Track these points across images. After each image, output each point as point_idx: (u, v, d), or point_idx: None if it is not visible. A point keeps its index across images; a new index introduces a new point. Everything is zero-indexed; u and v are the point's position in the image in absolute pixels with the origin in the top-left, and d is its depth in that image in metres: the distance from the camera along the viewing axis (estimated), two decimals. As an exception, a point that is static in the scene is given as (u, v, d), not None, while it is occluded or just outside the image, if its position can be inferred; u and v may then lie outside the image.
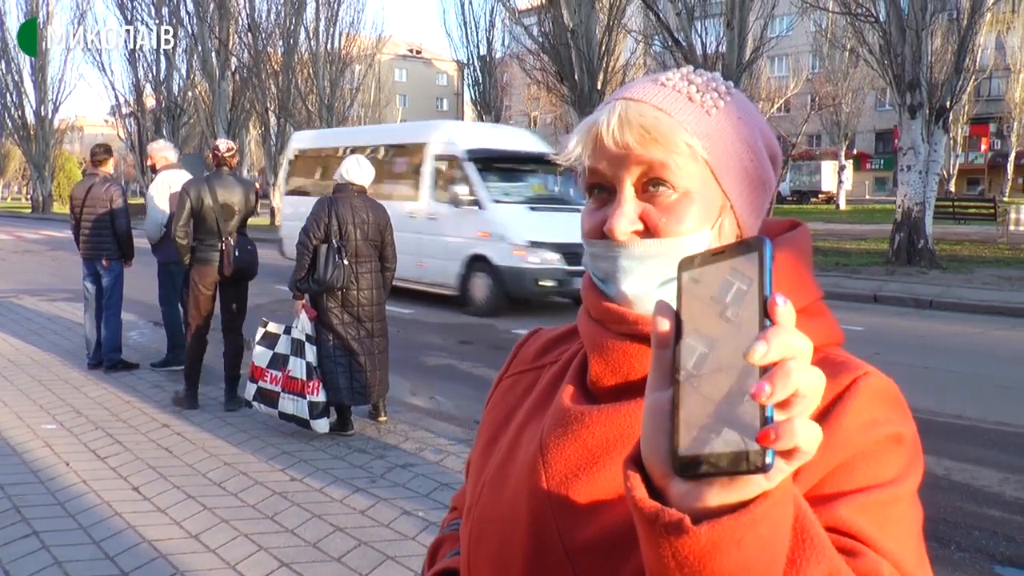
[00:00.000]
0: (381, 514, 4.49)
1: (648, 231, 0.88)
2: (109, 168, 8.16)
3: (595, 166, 0.91)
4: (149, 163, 8.29)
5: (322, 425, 5.76)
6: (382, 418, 6.23)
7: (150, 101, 37.86)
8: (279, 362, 5.85)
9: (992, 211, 22.19)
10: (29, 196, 64.12)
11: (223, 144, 6.77)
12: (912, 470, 0.83)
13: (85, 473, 5.09)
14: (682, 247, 0.86)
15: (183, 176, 7.57)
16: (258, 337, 6.02)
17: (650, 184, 0.88)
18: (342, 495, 4.78)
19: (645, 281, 0.89)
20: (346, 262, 5.83)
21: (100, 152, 8.20)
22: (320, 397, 5.75)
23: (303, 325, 5.85)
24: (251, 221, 6.93)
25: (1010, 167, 47.91)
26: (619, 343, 0.90)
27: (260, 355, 5.94)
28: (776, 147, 0.95)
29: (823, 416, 0.79)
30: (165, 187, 7.75)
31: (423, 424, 6.26)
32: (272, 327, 6.00)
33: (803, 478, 0.77)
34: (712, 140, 0.87)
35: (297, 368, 5.76)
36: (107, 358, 7.87)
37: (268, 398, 5.87)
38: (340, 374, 5.85)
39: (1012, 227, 20.49)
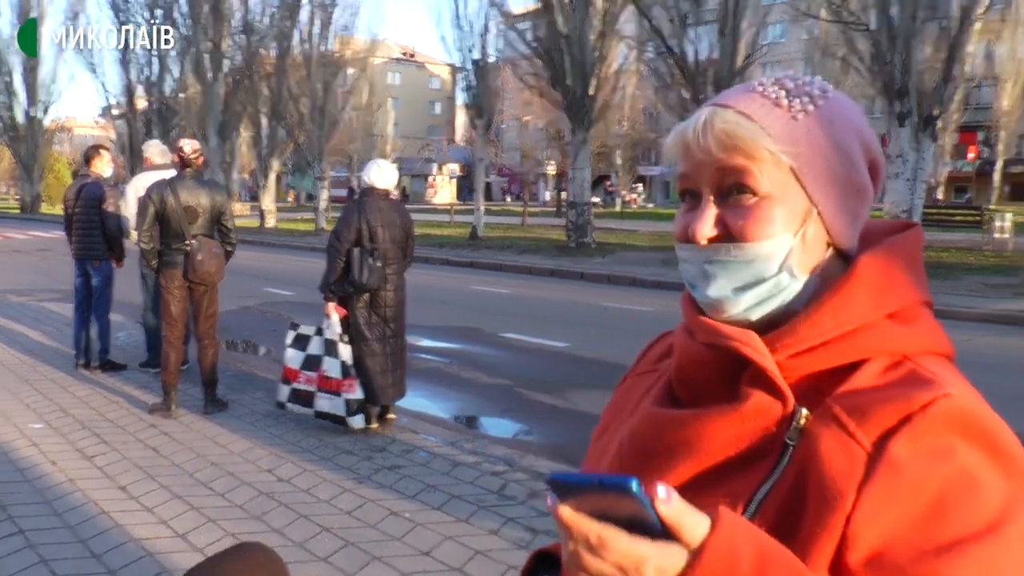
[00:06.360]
0: (368, 515, 4.50)
1: (730, 235, 0.89)
2: (102, 168, 8.14)
3: (684, 171, 0.92)
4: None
5: (357, 421, 5.90)
6: (390, 415, 6.30)
7: (142, 102, 37.75)
8: (313, 363, 5.97)
9: (978, 219, 22.29)
10: (17, 197, 63.84)
11: (188, 145, 6.58)
12: (1016, 507, 0.77)
13: (72, 472, 5.09)
14: (761, 252, 0.87)
15: (155, 178, 7.44)
16: (289, 340, 6.12)
17: (733, 189, 0.89)
18: (329, 496, 4.79)
19: (726, 285, 0.90)
20: (379, 264, 5.93)
21: (92, 152, 8.20)
22: (356, 394, 5.87)
23: (335, 325, 5.94)
24: (240, 223, 6.89)
25: (997, 175, 48.17)
26: (694, 353, 0.92)
27: (292, 357, 6.05)
28: (876, 152, 0.94)
29: (881, 442, 0.78)
30: (132, 191, 7.71)
31: (411, 427, 6.27)
32: (303, 329, 6.12)
33: (865, 531, 0.76)
34: (797, 146, 0.87)
35: (332, 368, 5.88)
36: (96, 358, 7.87)
37: (303, 399, 6.00)
38: (373, 376, 5.99)
39: (997, 234, 20.59)
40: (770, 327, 0.89)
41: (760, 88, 0.91)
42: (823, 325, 0.85)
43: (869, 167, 0.92)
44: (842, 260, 0.91)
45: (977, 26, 19.17)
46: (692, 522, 0.70)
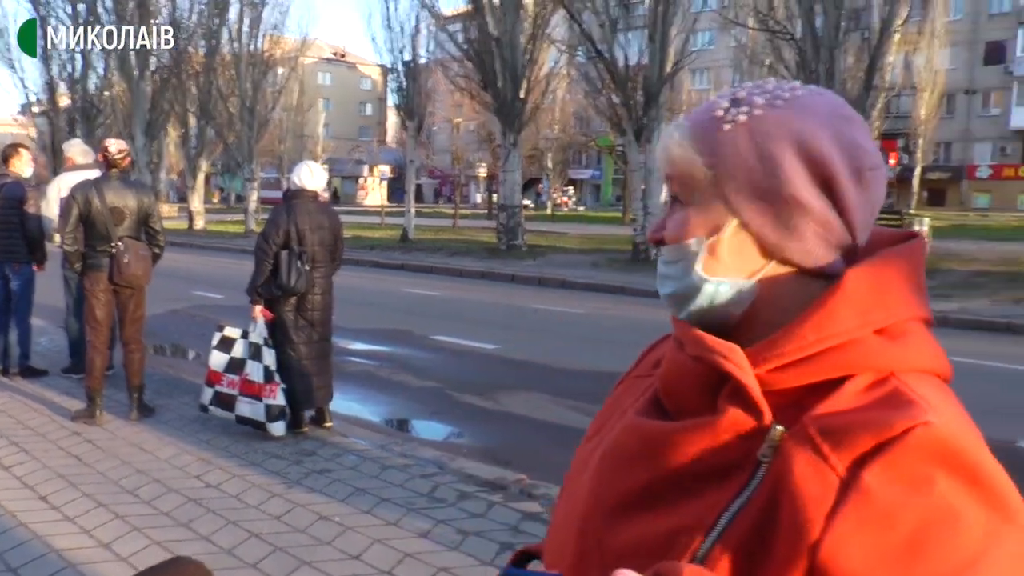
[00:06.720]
0: (297, 520, 4.49)
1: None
2: (22, 168, 7.93)
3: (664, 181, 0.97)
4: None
5: (278, 428, 5.83)
6: (328, 424, 6.26)
7: (64, 100, 36.67)
8: (236, 366, 5.89)
9: (899, 223, 22.97)
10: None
11: (113, 145, 6.46)
12: (996, 542, 0.73)
13: (-10, 482, 4.96)
14: (676, 255, 0.92)
15: (79, 179, 7.26)
16: (215, 342, 6.03)
17: (675, 195, 0.94)
18: (258, 501, 4.76)
19: (663, 284, 0.95)
20: (307, 267, 5.90)
21: (11, 151, 7.98)
22: (277, 400, 5.81)
23: (260, 329, 5.89)
24: (168, 225, 6.78)
25: (916, 181, 49.78)
26: (680, 363, 0.91)
27: (217, 360, 5.96)
28: (825, 165, 0.85)
29: (854, 468, 0.75)
30: (55, 191, 7.54)
31: (340, 430, 6.25)
32: (229, 331, 6.04)
33: (835, 562, 0.73)
34: (718, 156, 0.87)
35: (255, 372, 5.82)
36: (15, 364, 7.65)
37: (224, 402, 5.93)
38: (300, 379, 5.96)
39: (916, 239, 21.30)
40: (725, 331, 0.89)
41: (715, 99, 0.92)
42: (805, 339, 0.83)
43: (824, 182, 0.85)
44: (821, 276, 0.87)
45: (896, 37, 19.80)
46: None
